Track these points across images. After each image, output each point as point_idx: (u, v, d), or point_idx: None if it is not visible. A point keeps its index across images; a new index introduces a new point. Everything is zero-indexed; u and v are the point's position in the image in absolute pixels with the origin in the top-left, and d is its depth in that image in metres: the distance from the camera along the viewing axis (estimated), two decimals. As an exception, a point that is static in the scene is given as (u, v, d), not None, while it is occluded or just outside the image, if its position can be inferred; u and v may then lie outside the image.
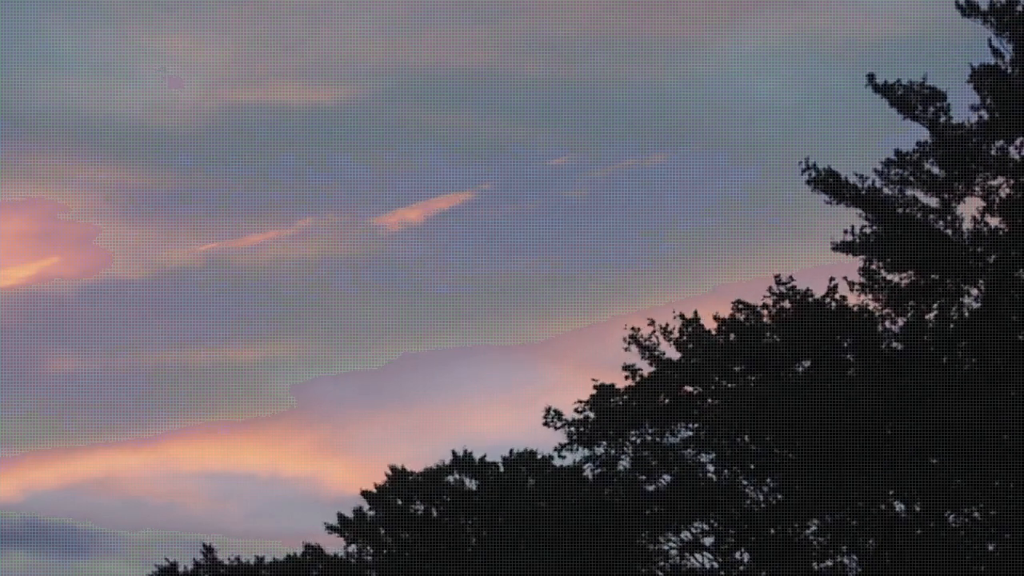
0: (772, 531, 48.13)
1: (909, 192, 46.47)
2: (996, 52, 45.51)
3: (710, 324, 50.68)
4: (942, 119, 45.85)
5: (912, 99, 46.05)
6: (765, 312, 49.41)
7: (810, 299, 48.80)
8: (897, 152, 46.64)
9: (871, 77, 46.51)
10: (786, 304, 49.07)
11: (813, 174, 46.86)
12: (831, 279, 48.80)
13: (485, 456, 63.14)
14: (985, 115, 45.65)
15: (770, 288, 49.36)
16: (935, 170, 46.15)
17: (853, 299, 48.18)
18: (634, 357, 51.41)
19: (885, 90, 46.12)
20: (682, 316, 50.78)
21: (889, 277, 47.02)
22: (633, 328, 51.41)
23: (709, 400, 50.15)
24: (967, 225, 46.23)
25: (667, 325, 50.99)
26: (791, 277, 49.36)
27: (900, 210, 46.42)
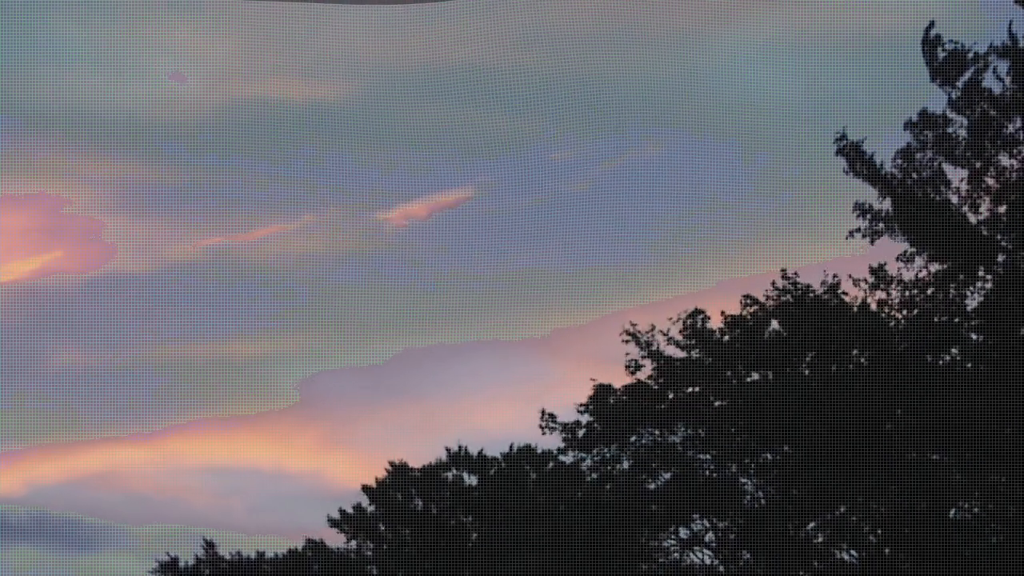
0: (772, 528, 47.92)
1: (927, 171, 45.91)
2: (1013, 37, 44.96)
3: (715, 320, 50.45)
4: (974, 90, 44.99)
5: (951, 65, 45.02)
6: (771, 307, 49.10)
7: (812, 294, 48.51)
8: (923, 112, 45.88)
9: (931, 24, 45.35)
10: (789, 299, 48.78)
11: (843, 143, 46.43)
12: (834, 275, 48.48)
13: (482, 450, 63.15)
14: (1005, 93, 45.02)
15: (773, 282, 49.08)
16: (954, 145, 45.55)
17: (859, 295, 47.86)
18: (633, 354, 51.11)
19: (930, 45, 45.00)
20: (697, 311, 50.50)
21: (895, 274, 46.67)
22: (631, 323, 51.04)
23: (711, 398, 49.93)
24: (982, 210, 45.73)
25: (669, 321, 50.75)
26: (796, 272, 49.08)
27: (916, 189, 45.89)
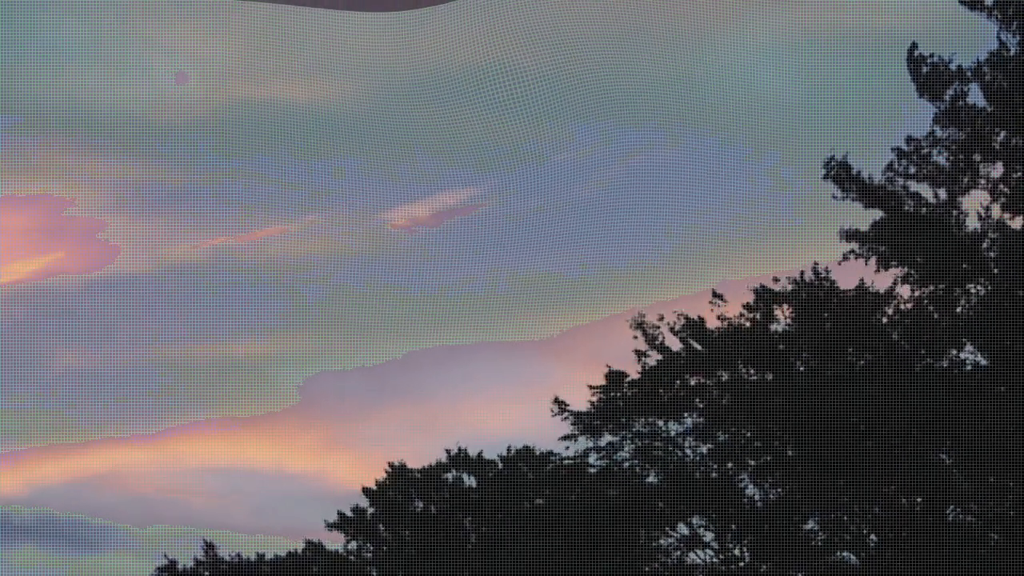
0: (772, 527, 47.84)
1: (915, 185, 46.00)
2: (1002, 44, 45.08)
3: (715, 320, 50.46)
4: (959, 103, 45.22)
5: (934, 79, 45.31)
6: (791, 301, 48.95)
7: (838, 293, 48.31)
8: (908, 139, 46.05)
9: (914, 45, 45.82)
10: (806, 295, 48.59)
11: (832, 166, 46.50)
12: (861, 279, 48.16)
13: (481, 452, 63.14)
14: (990, 105, 45.15)
15: (802, 273, 48.77)
16: (942, 161, 45.66)
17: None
18: (641, 341, 51.42)
19: (914, 62, 45.39)
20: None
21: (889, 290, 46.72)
22: (640, 314, 51.27)
23: (713, 393, 49.94)
24: (972, 220, 45.81)
25: (675, 315, 50.81)
26: (827, 268, 48.70)
27: (906, 205, 45.93)
